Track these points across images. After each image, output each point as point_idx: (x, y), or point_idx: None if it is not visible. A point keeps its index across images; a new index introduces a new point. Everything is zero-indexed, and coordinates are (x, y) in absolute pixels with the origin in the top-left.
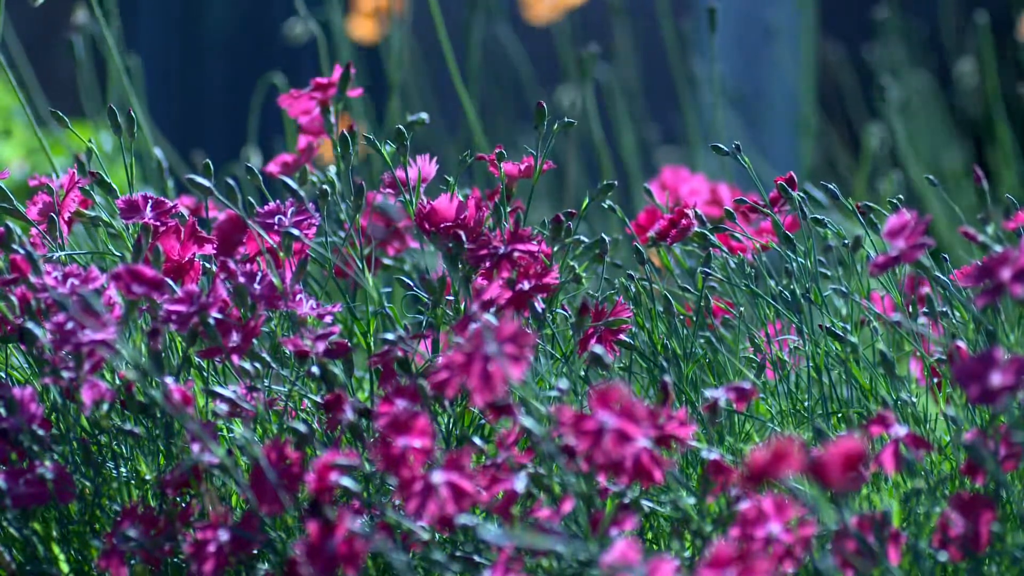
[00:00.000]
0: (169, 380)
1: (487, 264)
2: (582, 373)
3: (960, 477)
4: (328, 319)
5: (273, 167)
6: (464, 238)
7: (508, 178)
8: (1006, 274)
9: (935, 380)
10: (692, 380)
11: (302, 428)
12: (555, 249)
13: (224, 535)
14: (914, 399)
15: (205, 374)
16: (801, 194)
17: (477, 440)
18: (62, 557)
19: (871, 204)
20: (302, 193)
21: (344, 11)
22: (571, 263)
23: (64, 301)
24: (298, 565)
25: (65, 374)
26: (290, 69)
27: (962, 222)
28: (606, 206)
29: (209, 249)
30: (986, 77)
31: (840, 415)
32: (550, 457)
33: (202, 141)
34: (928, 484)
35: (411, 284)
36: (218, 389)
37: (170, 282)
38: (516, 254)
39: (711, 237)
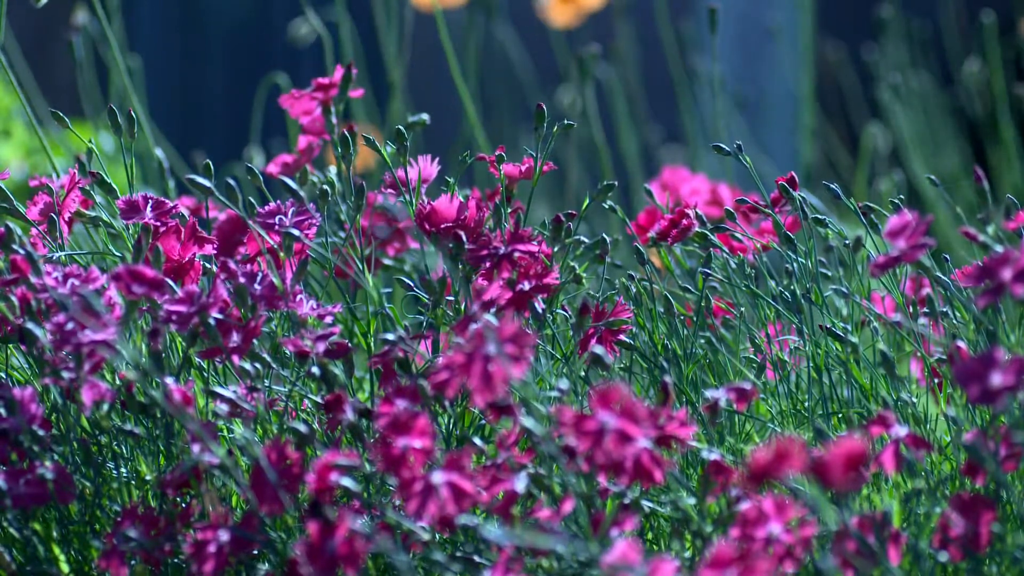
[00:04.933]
0: (169, 380)
1: (487, 264)
2: (582, 373)
3: (960, 477)
4: (328, 319)
5: (273, 167)
6: (464, 238)
7: (508, 179)
8: (1007, 274)
9: (936, 380)
10: (692, 380)
11: (302, 428)
12: (555, 249)
13: (224, 535)
14: (914, 399)
15: (205, 374)
16: (801, 195)
17: (477, 440)
18: (62, 557)
19: (872, 204)
20: (302, 193)
21: (347, 11)
22: (571, 263)
23: (64, 301)
24: (298, 565)
25: (65, 374)
26: (290, 69)
27: (963, 222)
28: (606, 206)
29: (209, 249)
30: (991, 77)
31: (840, 415)
32: (550, 457)
33: (202, 141)
34: (928, 484)
35: (411, 284)
36: (218, 389)
37: (170, 282)
38: (516, 254)
39: (712, 237)
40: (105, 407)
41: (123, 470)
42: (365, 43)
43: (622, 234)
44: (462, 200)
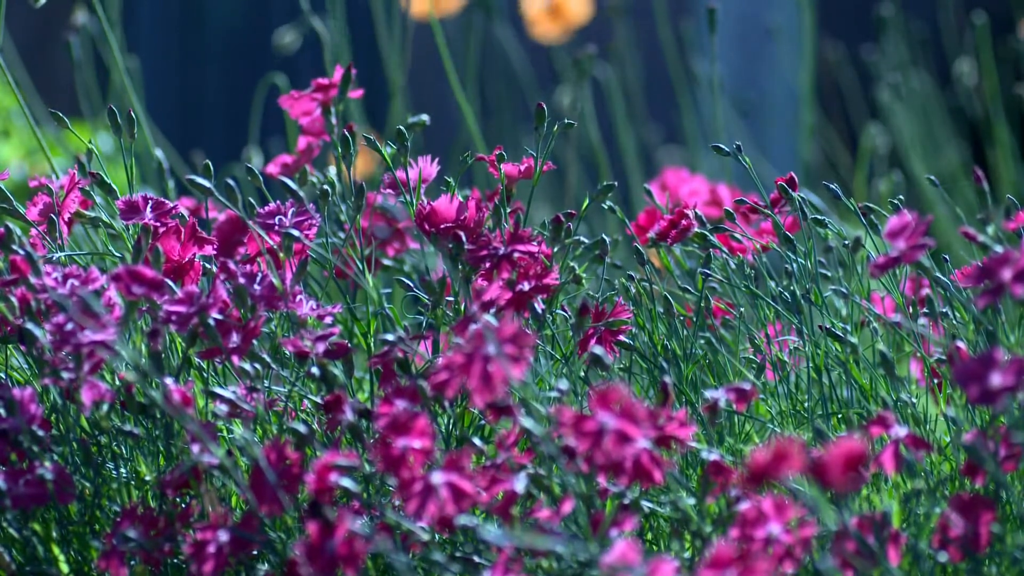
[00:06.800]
0: (169, 381)
1: (487, 265)
2: (582, 374)
3: (960, 478)
4: (328, 320)
5: (273, 168)
6: (464, 239)
7: (508, 179)
8: (1006, 274)
9: (935, 381)
10: (692, 381)
11: (302, 429)
12: (555, 250)
13: (224, 536)
14: (914, 400)
15: (205, 375)
16: (801, 195)
17: (477, 441)
18: (62, 558)
19: (871, 205)
20: (302, 194)
21: (344, 12)
22: (571, 264)
23: (64, 302)
24: (298, 566)
25: (65, 375)
26: (289, 70)
27: (962, 222)
28: (606, 207)
29: (209, 250)
30: (985, 77)
31: (840, 416)
32: (550, 458)
33: (201, 142)
34: (928, 485)
35: (411, 285)
36: (218, 390)
37: (170, 283)
38: (516, 255)
39: (711, 238)
40: (105, 407)
41: (123, 470)
42: (365, 44)
43: (622, 234)
44: (462, 200)
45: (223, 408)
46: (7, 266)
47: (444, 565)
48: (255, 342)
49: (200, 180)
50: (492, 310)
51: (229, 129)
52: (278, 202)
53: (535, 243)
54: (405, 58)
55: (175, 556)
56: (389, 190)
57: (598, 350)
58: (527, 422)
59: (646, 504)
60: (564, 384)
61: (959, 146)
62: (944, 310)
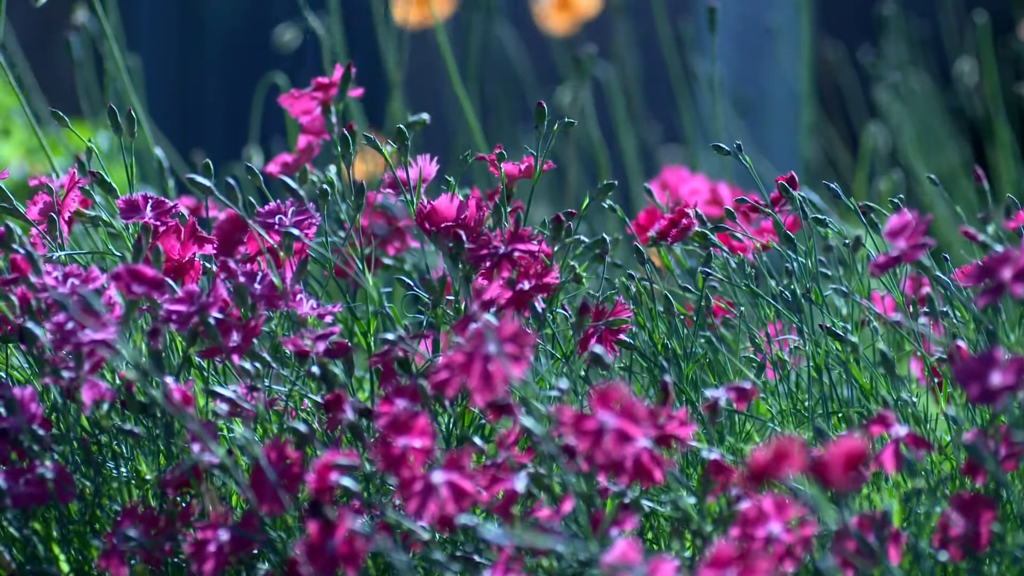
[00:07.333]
0: (169, 380)
1: (487, 264)
2: (582, 373)
3: (960, 477)
4: (328, 319)
5: (273, 167)
6: (464, 238)
7: (508, 178)
8: (1007, 273)
9: (936, 380)
10: (692, 380)
11: (302, 428)
12: (555, 249)
13: (224, 535)
14: (914, 399)
15: (205, 374)
16: (801, 194)
17: (477, 440)
18: (62, 557)
19: (872, 204)
20: (302, 193)
21: (340, 12)
22: (571, 263)
23: (64, 301)
24: (298, 565)
25: (65, 374)
26: (290, 69)
27: (962, 221)
28: (606, 206)
29: (209, 249)
30: (985, 77)
31: (840, 415)
32: (550, 457)
33: (201, 141)
34: (928, 484)
35: (411, 284)
36: (218, 389)
37: (170, 282)
38: (516, 254)
39: (711, 237)
40: (105, 407)
41: (123, 470)
42: (365, 44)
43: (622, 233)
44: (462, 199)
45: (223, 407)
46: (7, 265)
47: (444, 564)
48: (255, 341)
49: (200, 179)
50: (492, 309)
51: (229, 128)
52: (278, 201)
53: (535, 242)
54: (403, 58)
55: (175, 555)
56: (389, 189)
57: (598, 349)
58: (527, 421)
59: (646, 503)
60: (564, 383)
61: (959, 145)
62: (944, 309)
